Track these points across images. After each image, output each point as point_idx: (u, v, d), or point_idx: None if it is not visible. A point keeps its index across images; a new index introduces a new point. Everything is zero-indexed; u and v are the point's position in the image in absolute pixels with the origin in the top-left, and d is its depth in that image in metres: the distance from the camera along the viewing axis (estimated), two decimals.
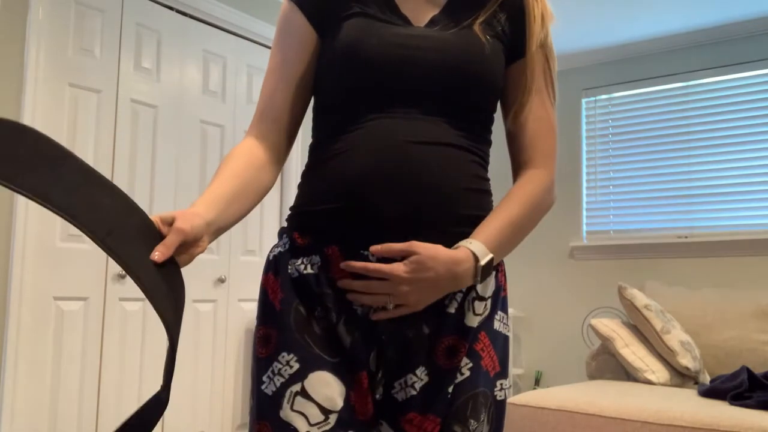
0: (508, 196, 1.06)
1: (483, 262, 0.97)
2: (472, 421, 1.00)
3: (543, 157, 1.09)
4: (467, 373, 1.01)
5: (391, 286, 0.94)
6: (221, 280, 3.35)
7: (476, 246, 0.98)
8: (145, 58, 3.09)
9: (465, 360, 1.01)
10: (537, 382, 4.22)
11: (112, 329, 2.89)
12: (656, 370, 3.01)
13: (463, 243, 0.98)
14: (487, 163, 1.09)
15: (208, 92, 3.37)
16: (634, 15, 3.78)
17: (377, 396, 1.01)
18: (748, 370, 2.58)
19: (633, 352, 3.08)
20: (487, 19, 1.06)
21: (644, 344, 3.14)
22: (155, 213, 3.05)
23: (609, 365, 3.25)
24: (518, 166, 1.11)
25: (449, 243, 0.99)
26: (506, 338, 1.08)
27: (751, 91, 3.84)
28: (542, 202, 1.07)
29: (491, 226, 1.01)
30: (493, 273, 1.05)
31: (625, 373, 3.16)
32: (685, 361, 2.99)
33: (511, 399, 2.56)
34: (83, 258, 2.81)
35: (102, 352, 2.85)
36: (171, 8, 3.22)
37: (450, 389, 1.00)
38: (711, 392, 2.60)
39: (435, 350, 1.00)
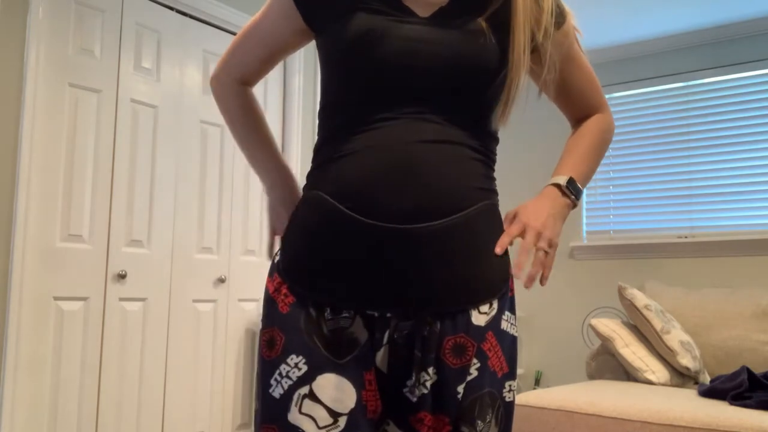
0: (575, 133, 1.20)
1: (563, 183, 1.10)
2: (479, 422, 0.99)
3: (595, 107, 1.20)
4: (475, 374, 1.00)
5: (533, 237, 1.04)
6: (221, 280, 3.35)
7: (555, 179, 1.12)
8: (145, 58, 3.09)
9: (473, 360, 1.00)
10: (537, 382, 4.22)
11: (112, 329, 2.89)
12: (656, 370, 3.00)
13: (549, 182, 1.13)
14: (493, 161, 1.08)
15: (208, 92, 3.37)
16: (634, 15, 3.78)
17: (388, 395, 1.01)
18: (748, 370, 2.58)
19: (633, 352, 3.08)
20: (494, 12, 1.04)
21: (644, 344, 3.14)
22: (155, 213, 3.07)
23: (609, 365, 3.25)
24: (576, 122, 1.22)
25: None
26: (514, 339, 1.07)
27: (751, 91, 3.84)
28: (605, 131, 1.19)
29: (563, 161, 1.15)
30: None
31: (625, 373, 3.16)
32: (685, 361, 2.99)
33: None
34: (83, 258, 2.81)
35: (102, 352, 2.85)
36: (171, 8, 3.22)
37: (460, 389, 0.99)
38: (711, 392, 2.60)
39: (442, 348, 0.99)
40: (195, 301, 3.23)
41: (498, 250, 1.04)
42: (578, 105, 1.19)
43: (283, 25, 1.13)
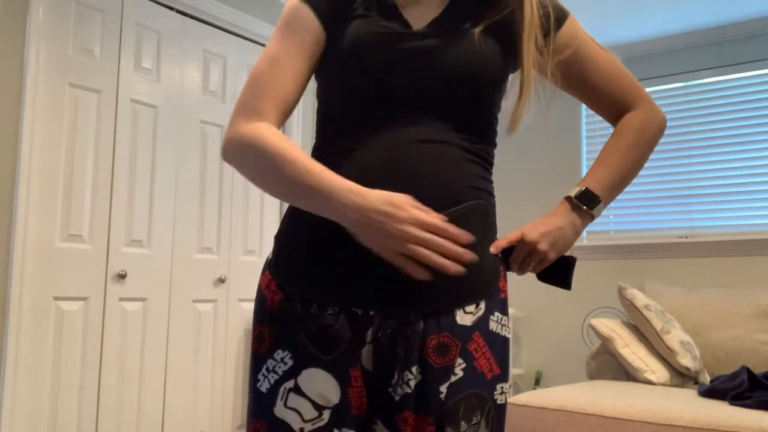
0: (609, 138, 1.16)
1: (573, 194, 1.10)
2: (463, 423, 0.99)
3: (627, 102, 1.15)
4: (460, 374, 1.00)
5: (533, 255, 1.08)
6: (221, 280, 3.35)
7: (571, 191, 1.11)
8: (145, 58, 3.09)
9: (458, 360, 1.00)
10: (537, 382, 4.22)
11: (112, 329, 2.89)
12: (656, 370, 3.00)
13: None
14: (490, 164, 1.09)
15: (208, 92, 3.37)
16: (634, 15, 3.78)
17: (373, 393, 1.01)
18: (748, 370, 2.58)
19: (633, 352, 3.08)
20: (493, 22, 1.06)
21: (644, 344, 3.14)
22: (155, 213, 3.07)
23: (609, 365, 3.24)
24: (614, 120, 1.18)
25: None
26: (505, 340, 1.06)
27: (751, 91, 3.84)
28: (641, 128, 1.14)
29: (589, 169, 1.14)
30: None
31: (625, 373, 3.16)
32: (685, 361, 2.99)
33: (511, 399, 2.56)
34: (83, 258, 2.81)
35: (102, 352, 2.86)
36: (171, 8, 3.22)
37: (443, 389, 0.99)
38: (711, 392, 2.60)
39: (426, 348, 0.99)
40: (195, 301, 3.24)
41: (492, 249, 1.04)
42: (607, 103, 1.16)
43: (303, 38, 1.06)
